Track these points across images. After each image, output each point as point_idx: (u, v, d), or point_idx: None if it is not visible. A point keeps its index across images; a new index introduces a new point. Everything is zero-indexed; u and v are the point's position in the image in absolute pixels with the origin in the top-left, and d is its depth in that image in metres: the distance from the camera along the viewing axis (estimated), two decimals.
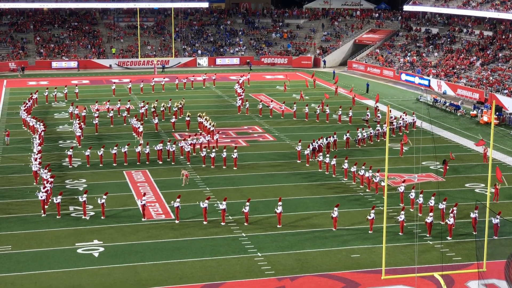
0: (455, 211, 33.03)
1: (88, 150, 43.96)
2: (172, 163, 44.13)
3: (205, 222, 33.91)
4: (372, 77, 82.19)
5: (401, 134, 51.01)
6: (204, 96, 68.60)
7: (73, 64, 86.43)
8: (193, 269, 28.69)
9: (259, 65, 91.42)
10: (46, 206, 35.11)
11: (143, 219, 34.35)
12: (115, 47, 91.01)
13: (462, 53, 78.96)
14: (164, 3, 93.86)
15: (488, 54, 75.95)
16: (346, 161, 41.62)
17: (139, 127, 49.94)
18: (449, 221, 32.44)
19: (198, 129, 52.40)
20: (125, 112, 56.62)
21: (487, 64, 73.57)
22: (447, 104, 63.67)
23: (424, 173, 42.21)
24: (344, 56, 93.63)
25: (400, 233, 32.63)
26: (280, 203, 33.98)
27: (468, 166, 44.52)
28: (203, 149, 44.53)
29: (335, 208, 33.36)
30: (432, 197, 34.51)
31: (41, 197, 34.80)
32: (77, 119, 53.60)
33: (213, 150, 44.58)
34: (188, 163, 44.19)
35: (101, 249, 30.71)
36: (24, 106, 56.84)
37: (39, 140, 46.46)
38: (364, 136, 49.30)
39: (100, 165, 43.47)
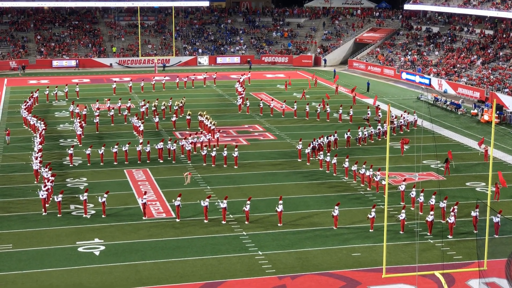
0: (455, 210, 33.04)
1: (89, 148, 43.96)
2: (173, 162, 44.15)
3: (206, 221, 33.92)
4: (373, 76, 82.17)
5: (402, 133, 50.98)
6: (205, 95, 68.60)
7: (74, 63, 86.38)
8: (194, 268, 28.70)
9: (259, 64, 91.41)
10: (47, 205, 35.14)
11: (143, 218, 34.35)
12: (115, 46, 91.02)
13: (463, 52, 78.93)
14: (165, 1, 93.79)
15: (488, 53, 75.92)
16: (347, 159, 41.61)
17: (139, 126, 49.96)
18: (450, 219, 32.45)
19: (199, 128, 52.43)
20: (126, 111, 56.62)
21: (488, 63, 73.55)
22: (448, 103, 63.64)
23: (424, 171, 42.22)
24: (344, 55, 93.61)
25: (401, 232, 32.63)
26: (280, 201, 33.98)
27: (469, 164, 44.51)
28: (204, 147, 44.53)
29: (336, 207, 33.38)
30: (433, 196, 34.53)
31: (42, 195, 34.82)
32: (78, 117, 53.57)
33: (214, 149, 44.60)
34: (189, 161, 44.20)
35: (102, 247, 30.72)
36: (25, 105, 56.84)
37: (39, 138, 46.45)
38: (365, 135, 49.30)
39: (101, 163, 43.48)
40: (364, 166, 39.89)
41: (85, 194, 34.82)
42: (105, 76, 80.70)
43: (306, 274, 28.24)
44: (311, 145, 44.98)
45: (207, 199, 34.27)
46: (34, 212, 34.95)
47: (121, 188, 39.03)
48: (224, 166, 43.37)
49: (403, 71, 79.85)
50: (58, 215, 34.39)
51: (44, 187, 35.56)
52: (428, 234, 32.44)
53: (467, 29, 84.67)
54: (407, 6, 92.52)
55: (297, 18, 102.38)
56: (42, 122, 50.20)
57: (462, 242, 31.80)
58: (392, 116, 54.29)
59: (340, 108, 57.48)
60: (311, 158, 44.49)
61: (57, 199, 34.45)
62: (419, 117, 55.05)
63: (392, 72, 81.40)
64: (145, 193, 35.87)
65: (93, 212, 34.94)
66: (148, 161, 44.06)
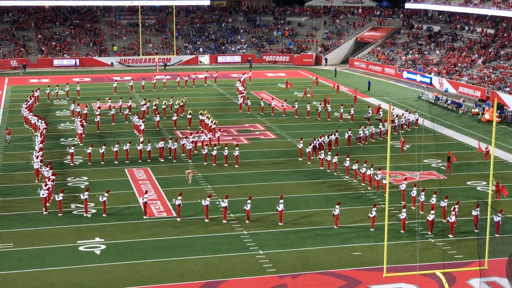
0: (456, 209, 33.02)
1: (90, 147, 43.96)
2: (174, 161, 44.14)
3: (206, 220, 33.91)
4: (374, 75, 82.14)
5: (403, 132, 50.97)
6: (206, 94, 68.58)
7: (74, 62, 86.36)
8: (195, 267, 28.70)
9: (260, 63, 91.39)
10: (47, 204, 35.15)
11: (144, 217, 34.35)
12: (116, 45, 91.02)
13: (464, 51, 78.88)
14: (166, 0, 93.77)
15: (490, 52, 75.87)
16: (347, 159, 41.57)
17: (140, 125, 49.96)
18: (451, 219, 32.43)
19: (200, 127, 52.42)
20: (127, 110, 56.61)
21: (489, 62, 73.50)
22: (449, 102, 63.60)
23: (425, 171, 42.19)
24: (345, 54, 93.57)
25: (402, 231, 32.63)
26: (281, 200, 33.96)
27: (470, 164, 44.48)
28: (205, 147, 44.52)
29: (337, 206, 33.36)
30: (434, 195, 34.53)
31: (43, 194, 34.84)
32: (79, 116, 53.57)
33: (215, 148, 44.60)
34: (189, 161, 44.20)
35: (103, 246, 30.73)
36: (26, 104, 56.85)
37: (40, 137, 46.46)
38: (366, 134, 49.28)
39: (102, 162, 43.48)
40: (365, 165, 39.87)
41: (86, 193, 34.80)
42: (106, 75, 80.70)
43: (307, 273, 28.24)
44: (312, 144, 44.96)
45: (208, 198, 34.26)
46: (35, 211, 34.95)
47: (122, 187, 39.03)
48: (225, 165, 43.36)
49: (404, 70, 79.80)
50: (59, 214, 34.40)
51: (45, 186, 35.57)
52: (429, 233, 32.42)
53: (468, 28, 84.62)
54: (408, 5, 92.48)
55: (298, 17, 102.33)
56: (43, 121, 50.21)
57: (463, 241, 31.79)
58: (393, 115, 54.26)
59: (341, 107, 57.46)
60: (312, 157, 44.48)
61: (58, 198, 34.46)
62: (420, 116, 55.02)
63: (393, 71, 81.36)
64: (146, 192, 35.86)
65: (93, 211, 34.94)
66: (149, 160, 44.06)
